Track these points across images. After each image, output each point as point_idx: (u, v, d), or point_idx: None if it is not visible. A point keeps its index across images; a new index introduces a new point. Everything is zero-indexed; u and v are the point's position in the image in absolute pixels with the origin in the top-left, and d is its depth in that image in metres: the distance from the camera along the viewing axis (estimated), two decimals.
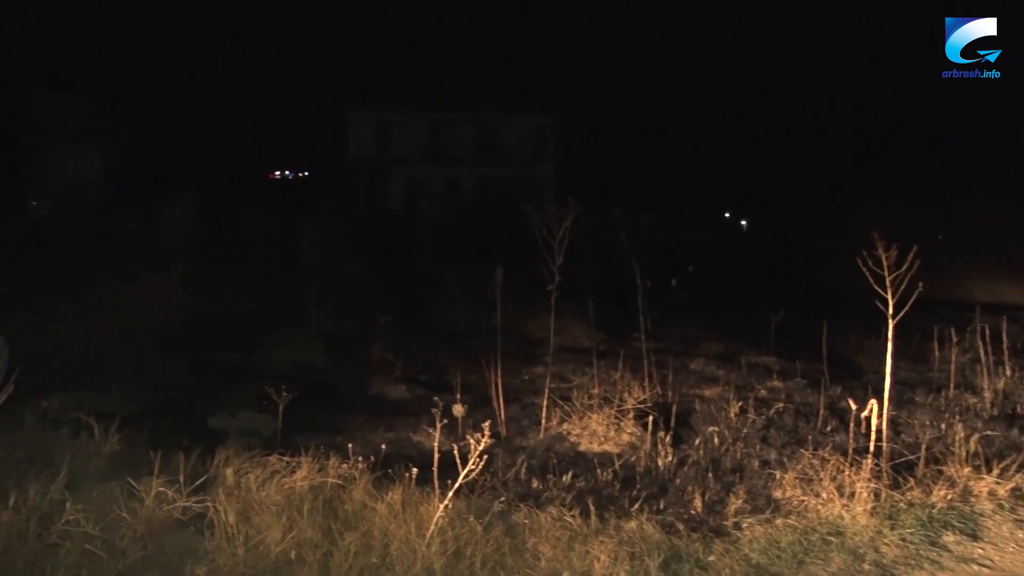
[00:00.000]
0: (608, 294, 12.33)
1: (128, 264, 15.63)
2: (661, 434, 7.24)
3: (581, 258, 9.89)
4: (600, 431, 7.86)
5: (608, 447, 7.61)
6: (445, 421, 5.90)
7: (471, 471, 5.25)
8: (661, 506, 6.10)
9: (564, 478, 6.52)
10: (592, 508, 5.69)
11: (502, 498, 5.94)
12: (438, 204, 41.84)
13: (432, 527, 5.07)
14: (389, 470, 6.24)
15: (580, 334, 12.65)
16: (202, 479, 5.62)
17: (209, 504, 5.28)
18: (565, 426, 8.09)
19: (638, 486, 6.50)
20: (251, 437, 7.58)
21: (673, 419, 7.81)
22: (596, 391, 8.69)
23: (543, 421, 8.17)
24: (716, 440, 7.30)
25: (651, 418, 7.52)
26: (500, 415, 8.23)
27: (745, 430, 7.64)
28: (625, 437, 7.76)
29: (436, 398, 6.72)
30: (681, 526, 5.67)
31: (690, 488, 6.36)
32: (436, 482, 5.39)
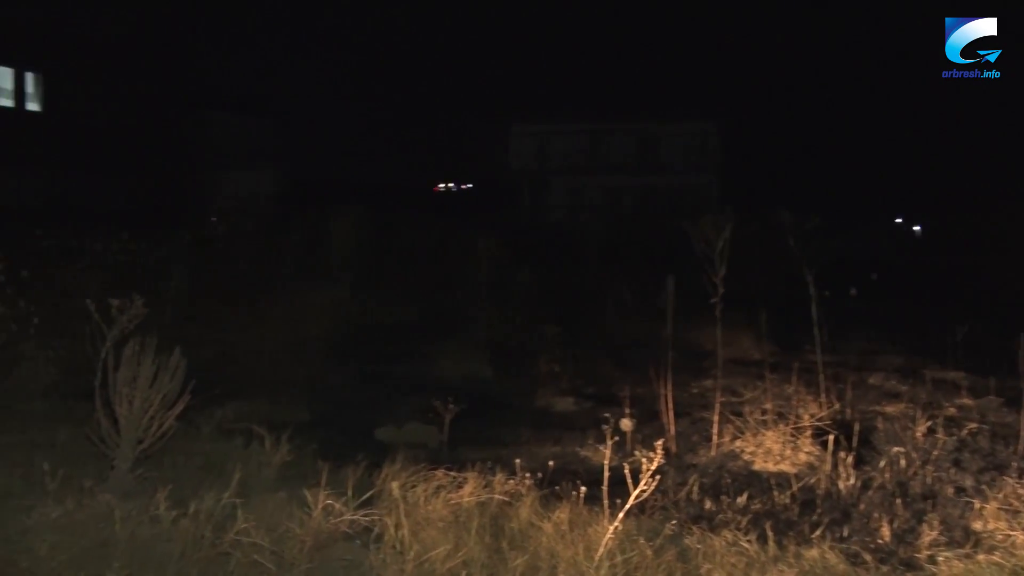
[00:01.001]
0: (777, 304, 11.86)
1: (298, 276, 16.17)
2: (842, 454, 6.82)
3: (749, 267, 9.55)
4: (775, 449, 7.48)
5: (784, 467, 7.23)
6: (617, 439, 5.71)
7: (643, 491, 5.04)
8: (845, 533, 5.69)
9: (739, 499, 6.21)
10: (770, 533, 5.36)
11: (673, 520, 5.70)
12: (599, 214, 41.64)
13: (601, 549, 4.88)
14: (556, 487, 6.11)
15: (750, 346, 12.23)
16: (369, 493, 5.63)
17: (376, 518, 5.27)
18: (738, 443, 7.74)
19: (819, 510, 6.11)
20: (417, 449, 7.61)
21: (854, 438, 7.34)
22: (769, 406, 8.30)
23: (714, 437, 7.84)
24: (903, 462, 6.80)
25: (831, 437, 7.10)
26: (669, 430, 7.96)
27: (935, 452, 7.07)
28: (802, 456, 7.36)
29: (605, 413, 6.56)
30: (868, 557, 5.25)
31: (876, 515, 5.91)
32: (606, 502, 5.21)
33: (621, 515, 5.01)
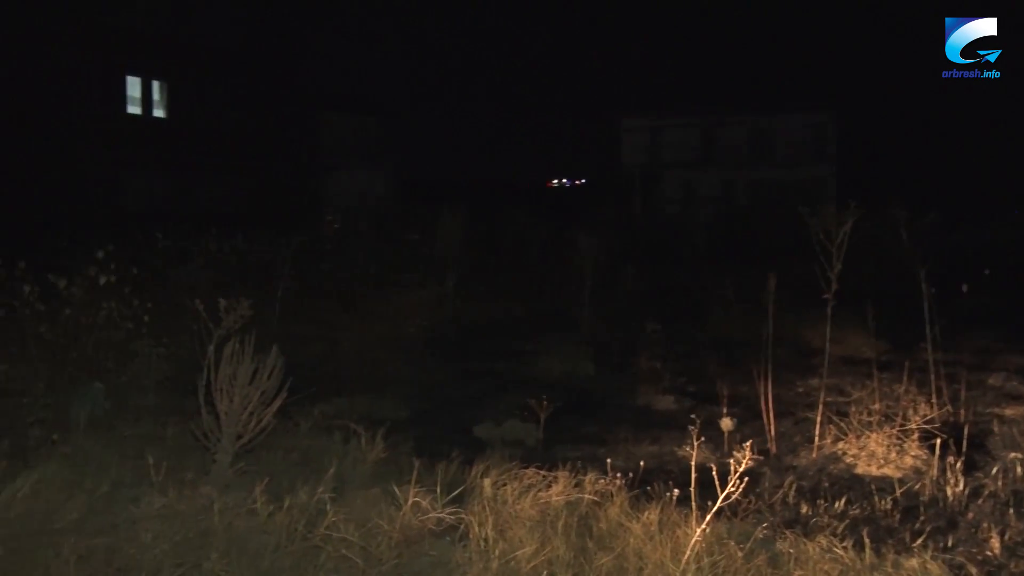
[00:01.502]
0: (891, 300, 11.45)
1: (404, 274, 16.43)
2: (951, 459, 6.54)
3: (861, 262, 9.25)
4: (880, 452, 7.21)
5: (888, 471, 6.96)
6: (703, 439, 5.61)
7: (730, 493, 4.93)
8: (949, 543, 5.44)
9: (837, 504, 6.02)
10: (867, 540, 5.17)
11: (766, 523, 5.56)
12: (711, 208, 41.10)
13: (688, 552, 4.80)
14: (648, 487, 6.05)
15: (860, 343, 11.83)
16: (459, 489, 5.69)
17: (463, 516, 5.31)
18: (840, 445, 7.49)
19: (922, 518, 5.87)
20: (514, 447, 7.63)
21: (965, 442, 7.03)
22: (876, 407, 8.01)
23: (816, 439, 7.62)
24: (1019, 469, 6.47)
25: (939, 440, 6.82)
26: (770, 431, 7.77)
27: None
28: (908, 460, 7.07)
29: (699, 413, 6.45)
30: (974, 569, 5.00)
31: (986, 524, 5.64)
32: (694, 503, 5.12)
33: (709, 517, 4.92)
